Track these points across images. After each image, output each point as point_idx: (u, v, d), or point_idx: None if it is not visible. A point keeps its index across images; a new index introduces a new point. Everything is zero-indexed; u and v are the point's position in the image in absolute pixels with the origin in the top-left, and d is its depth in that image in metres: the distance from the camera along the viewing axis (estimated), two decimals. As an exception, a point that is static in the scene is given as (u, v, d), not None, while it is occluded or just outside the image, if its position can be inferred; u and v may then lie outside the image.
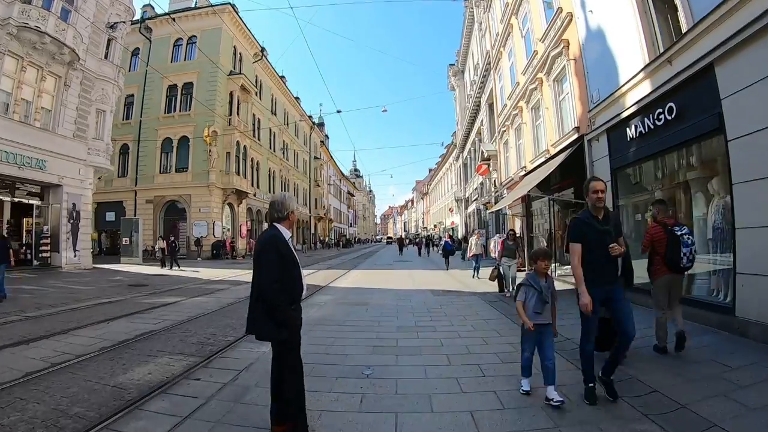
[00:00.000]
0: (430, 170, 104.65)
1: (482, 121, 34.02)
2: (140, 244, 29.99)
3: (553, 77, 16.14)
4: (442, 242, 27.86)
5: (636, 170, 11.20)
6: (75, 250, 23.52)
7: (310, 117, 71.69)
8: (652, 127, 9.41)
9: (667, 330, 6.32)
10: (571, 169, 13.73)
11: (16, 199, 21.68)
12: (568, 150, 13.75)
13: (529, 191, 16.09)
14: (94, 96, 24.85)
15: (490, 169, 28.49)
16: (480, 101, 34.54)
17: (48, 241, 22.63)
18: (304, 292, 4.17)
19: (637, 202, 11.43)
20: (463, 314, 9.93)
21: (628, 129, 10.47)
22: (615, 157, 11.36)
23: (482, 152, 29.89)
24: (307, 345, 6.01)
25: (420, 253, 40.66)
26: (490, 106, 30.88)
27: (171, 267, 24.02)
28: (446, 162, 66.69)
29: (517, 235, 14.44)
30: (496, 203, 26.44)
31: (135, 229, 29.86)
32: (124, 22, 25.99)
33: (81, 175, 24.05)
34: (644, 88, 9.69)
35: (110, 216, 36.57)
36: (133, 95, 38.84)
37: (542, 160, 17.27)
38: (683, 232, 6.32)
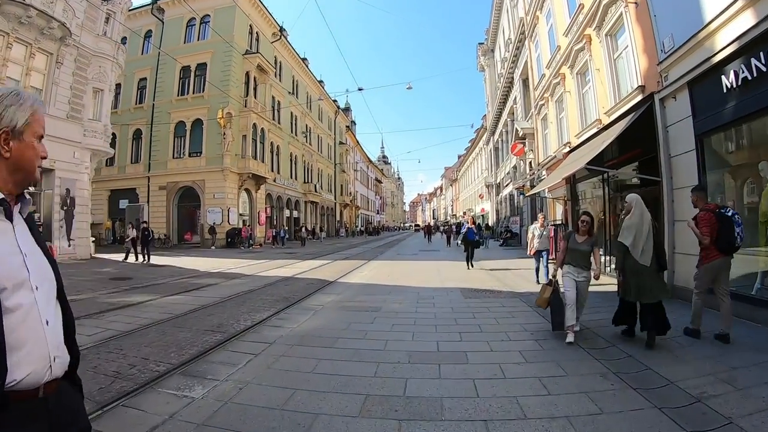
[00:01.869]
0: (459, 156, 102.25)
1: (515, 98, 31.47)
2: None
3: (606, 31, 13.43)
4: (463, 229, 19.25)
5: (735, 133, 8.47)
6: (69, 239, 21.75)
7: (335, 101, 69.56)
8: (765, 69, 6.74)
9: (701, 314, 6.34)
10: (633, 139, 11.00)
11: None
12: (631, 115, 11.02)
13: (576, 170, 13.22)
14: (91, 74, 23.08)
15: (526, 148, 25.77)
16: (513, 77, 32.18)
17: (39, 229, 20.41)
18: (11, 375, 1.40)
19: (738, 173, 8.66)
20: (505, 329, 7.17)
21: (723, 78, 7.74)
22: (701, 119, 8.62)
23: (516, 131, 27.21)
24: (256, 390, 4.65)
25: (449, 243, 34.71)
26: (524, 82, 28.38)
27: (145, 260, 20.76)
28: (476, 146, 64.05)
29: (590, 223, 6.98)
30: (532, 187, 23.81)
31: (140, 216, 27.96)
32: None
33: (76, 159, 22.27)
34: (746, 20, 7.05)
35: (124, 203, 35.08)
36: (145, 78, 38.24)
37: (592, 132, 14.60)
38: (732, 212, 6.24)
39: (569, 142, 17.52)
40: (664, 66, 9.75)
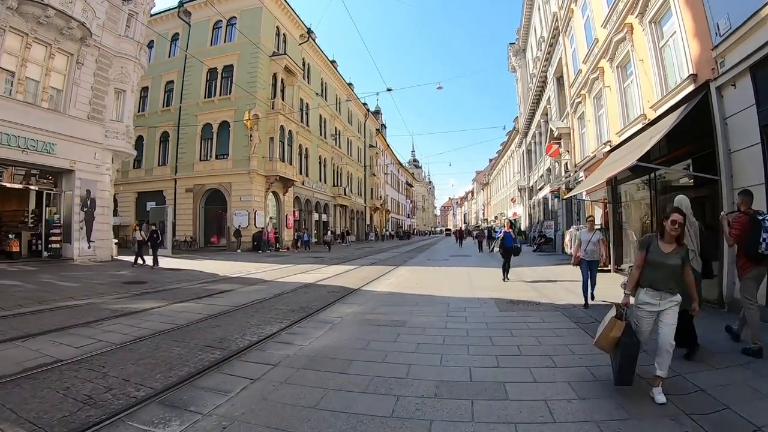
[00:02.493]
0: (490, 160, 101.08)
1: (549, 98, 30.38)
2: (169, 234, 28.13)
3: (649, 17, 12.34)
4: (499, 234, 17.05)
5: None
6: (89, 241, 21.46)
7: (364, 104, 68.95)
8: None
9: (758, 328, 5.80)
10: (685, 133, 9.92)
11: (18, 186, 20.09)
12: (683, 107, 9.94)
13: (624, 168, 11.97)
14: (113, 75, 22.83)
15: (561, 149, 24.61)
16: (546, 76, 31.01)
17: (59, 231, 20.76)
18: None
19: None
20: (549, 352, 6.08)
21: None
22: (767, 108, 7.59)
23: (551, 131, 26.07)
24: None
25: (481, 248, 32.78)
26: (558, 80, 27.37)
27: (153, 264, 19.43)
28: (508, 149, 62.92)
29: (683, 225, 4.82)
30: (569, 189, 22.67)
31: (164, 218, 27.88)
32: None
33: (97, 160, 21.97)
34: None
35: (151, 206, 34.37)
36: (172, 81, 38.47)
37: (636, 128, 13.46)
38: (764, 217, 5.84)
39: (609, 141, 16.41)
40: (720, 50, 8.69)
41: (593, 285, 9.82)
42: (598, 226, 17.07)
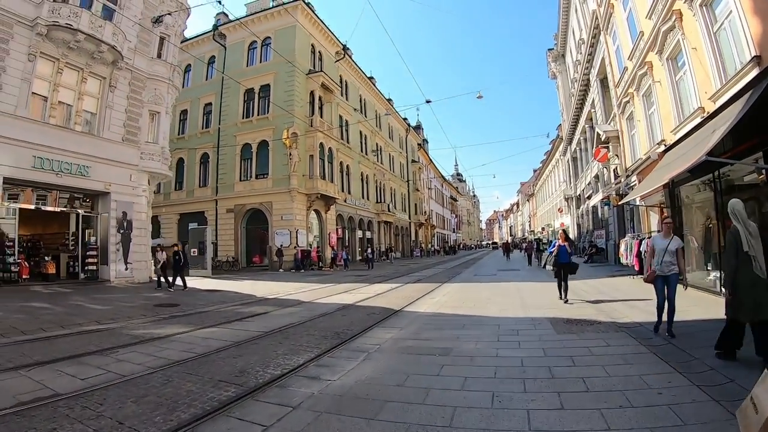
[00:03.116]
0: (534, 171, 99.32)
1: (593, 101, 29.21)
2: (209, 255, 28.32)
3: (700, 1, 11.37)
4: (552, 248, 13.34)
5: None
6: (126, 263, 21.29)
7: (405, 119, 68.54)
8: None
9: None
10: (752, 123, 8.82)
11: (53, 209, 20.52)
12: (748, 95, 8.92)
13: (689, 167, 10.76)
14: (146, 97, 22.98)
15: (610, 154, 23.40)
16: (588, 79, 30.13)
17: (95, 252, 20.80)
18: None
19: None
20: (620, 386, 5.04)
21: None
22: None
23: (598, 135, 24.89)
24: None
25: (530, 262, 30.83)
26: (602, 81, 26.32)
27: (171, 286, 18.26)
28: (552, 158, 61.52)
29: None
30: (620, 196, 21.49)
31: (204, 239, 28.09)
32: (169, 14, 23.50)
33: (132, 182, 21.97)
34: None
35: (193, 226, 34.68)
36: (211, 103, 38.94)
37: (693, 123, 12.41)
38: None
39: (663, 140, 15.32)
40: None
41: (672, 309, 7.40)
42: (655, 233, 15.94)
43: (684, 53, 13.05)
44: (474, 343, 7.50)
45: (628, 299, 11.56)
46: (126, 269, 21.22)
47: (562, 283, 12.12)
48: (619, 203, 20.57)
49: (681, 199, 14.28)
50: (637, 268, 15.74)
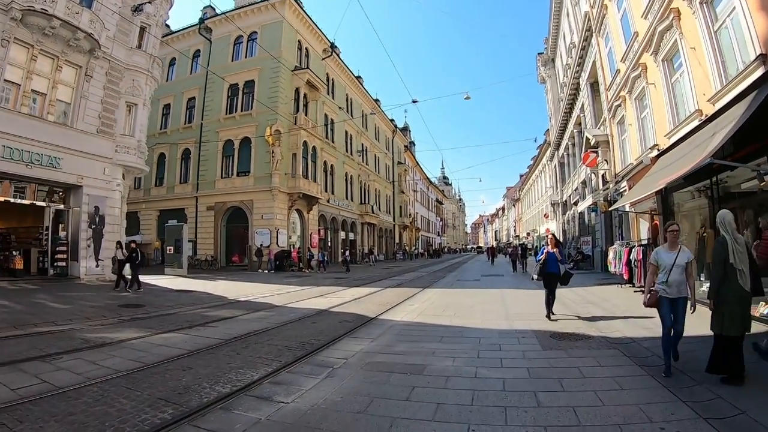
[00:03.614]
0: (521, 176, 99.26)
1: (582, 106, 28.67)
2: (185, 253, 27.52)
3: (699, -1, 10.78)
4: (540, 255, 10.88)
5: None
6: (98, 260, 20.58)
7: (392, 121, 68.02)
8: None
9: None
10: (753, 127, 8.17)
11: (22, 202, 19.81)
12: (752, 96, 8.29)
13: (682, 174, 9.97)
14: (124, 88, 22.29)
15: (599, 159, 22.79)
16: (578, 83, 29.51)
17: (65, 248, 20.01)
18: None
19: None
20: (616, 418, 4.35)
21: None
22: None
23: (587, 139, 24.30)
24: None
25: (515, 268, 28.95)
26: (593, 86, 25.80)
27: (127, 286, 16.54)
28: (539, 163, 61.18)
29: None
30: (609, 202, 20.92)
31: (180, 236, 27.31)
32: (150, 1, 22.80)
33: (106, 176, 21.31)
34: None
35: (173, 224, 33.54)
36: (194, 98, 38.29)
37: (690, 127, 11.80)
38: None
39: (656, 145, 14.70)
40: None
41: (678, 335, 5.92)
42: (645, 241, 15.29)
43: (681, 53, 12.45)
44: (451, 360, 6.70)
45: (618, 311, 10.88)
46: (97, 266, 20.54)
47: (551, 297, 10.25)
48: (609, 209, 19.97)
49: (675, 206, 13.62)
50: (626, 276, 15.10)
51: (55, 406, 4.78)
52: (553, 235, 11.47)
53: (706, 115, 10.81)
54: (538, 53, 48.43)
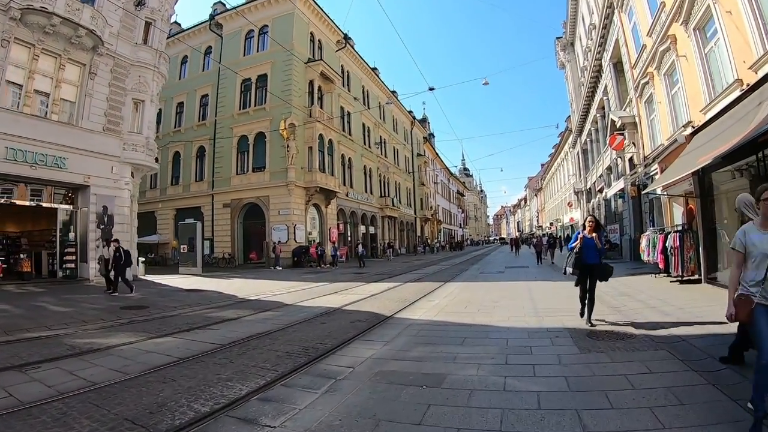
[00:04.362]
0: (542, 165, 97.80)
1: (606, 87, 27.56)
2: (199, 251, 26.83)
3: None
4: (573, 242, 8.43)
5: None
6: None
7: (410, 112, 67.13)
8: None
9: None
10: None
11: (28, 203, 19.28)
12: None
13: (731, 148, 8.73)
14: (130, 85, 21.90)
15: (626, 141, 21.65)
16: (600, 64, 28.52)
17: (74, 250, 19.88)
18: None
19: None
20: None
21: None
22: None
23: (612, 122, 23.11)
24: None
25: (539, 260, 27.52)
26: (615, 66, 24.81)
27: (111, 289, 15.30)
28: (560, 151, 59.88)
29: None
30: (639, 187, 19.84)
31: (193, 234, 26.67)
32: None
33: (114, 174, 20.91)
34: None
35: (182, 222, 32.86)
36: (207, 95, 37.84)
37: (730, 99, 10.80)
38: None
39: (691, 122, 13.66)
40: None
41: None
42: (679, 227, 14.16)
43: (716, 19, 11.40)
44: (474, 368, 5.72)
45: (657, 303, 9.83)
46: None
47: (587, 295, 8.17)
48: (643, 192, 18.56)
49: (713, 187, 12.50)
50: (662, 265, 13.94)
51: (9, 426, 4.16)
52: (593, 216, 9.18)
53: (748, 85, 9.83)
54: (557, 38, 47.28)
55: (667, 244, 13.40)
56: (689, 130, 13.48)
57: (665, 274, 14.28)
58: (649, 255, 14.82)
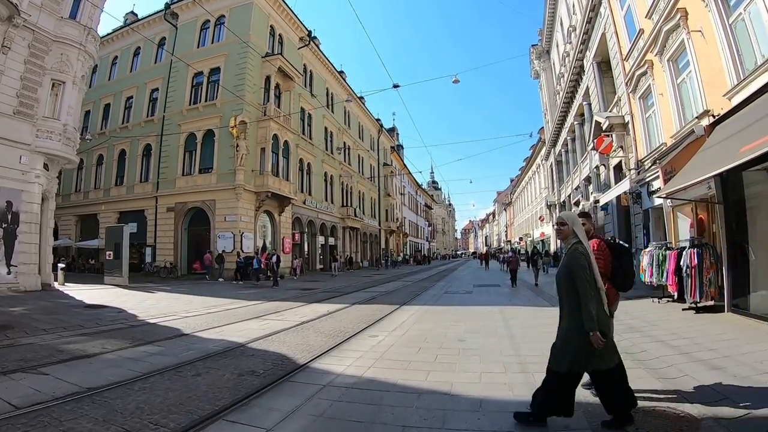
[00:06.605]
0: (511, 180, 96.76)
1: (587, 90, 25.34)
2: (125, 259, 23.50)
3: None
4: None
5: None
6: (10, 265, 17.69)
7: (378, 120, 64.59)
8: None
9: None
10: None
11: None
12: None
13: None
14: (50, 63, 19.57)
15: (615, 144, 19.03)
16: (582, 65, 26.35)
17: None
18: None
19: None
20: None
21: None
22: None
23: (597, 124, 20.52)
24: None
25: (514, 282, 21.78)
26: (600, 65, 22.60)
27: None
28: (533, 164, 58.33)
29: None
30: (635, 196, 17.12)
31: (120, 239, 23.46)
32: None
33: (22, 165, 18.45)
34: None
35: (132, 227, 30.01)
36: (157, 89, 34.86)
37: (766, 79, 8.24)
38: None
39: (709, 111, 10.89)
40: None
41: None
42: (689, 240, 11.40)
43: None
44: None
45: (685, 346, 6.97)
46: (8, 273, 17.49)
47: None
48: (655, 196, 15.31)
49: (743, 190, 9.67)
50: (673, 289, 10.97)
51: None
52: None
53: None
54: (532, 45, 46.30)
55: (681, 263, 10.48)
56: (706, 121, 10.77)
57: (669, 299, 11.60)
58: (652, 276, 11.93)
